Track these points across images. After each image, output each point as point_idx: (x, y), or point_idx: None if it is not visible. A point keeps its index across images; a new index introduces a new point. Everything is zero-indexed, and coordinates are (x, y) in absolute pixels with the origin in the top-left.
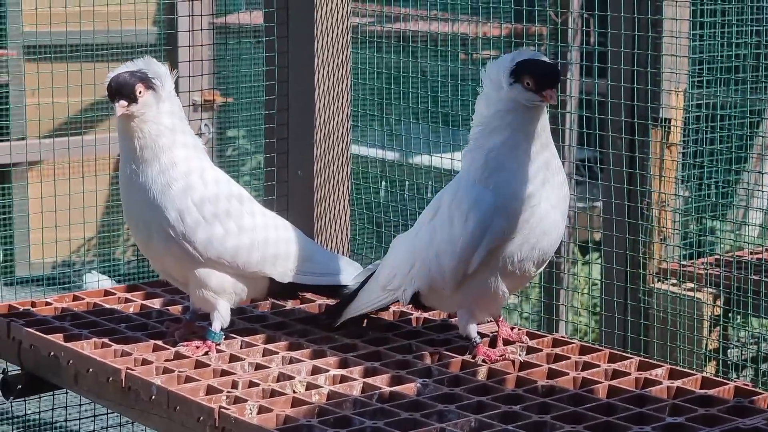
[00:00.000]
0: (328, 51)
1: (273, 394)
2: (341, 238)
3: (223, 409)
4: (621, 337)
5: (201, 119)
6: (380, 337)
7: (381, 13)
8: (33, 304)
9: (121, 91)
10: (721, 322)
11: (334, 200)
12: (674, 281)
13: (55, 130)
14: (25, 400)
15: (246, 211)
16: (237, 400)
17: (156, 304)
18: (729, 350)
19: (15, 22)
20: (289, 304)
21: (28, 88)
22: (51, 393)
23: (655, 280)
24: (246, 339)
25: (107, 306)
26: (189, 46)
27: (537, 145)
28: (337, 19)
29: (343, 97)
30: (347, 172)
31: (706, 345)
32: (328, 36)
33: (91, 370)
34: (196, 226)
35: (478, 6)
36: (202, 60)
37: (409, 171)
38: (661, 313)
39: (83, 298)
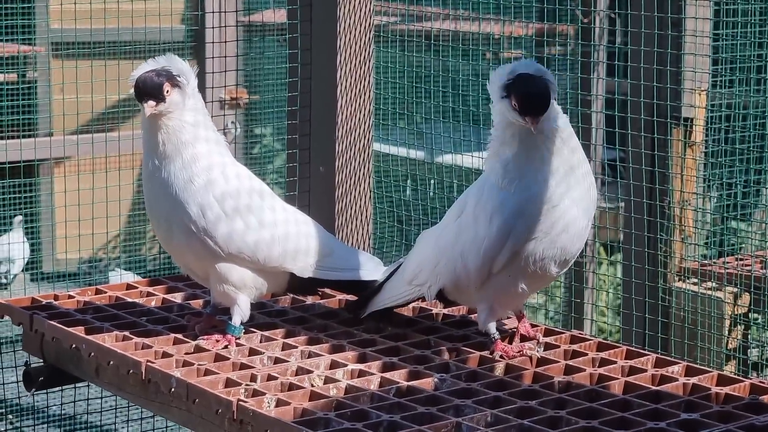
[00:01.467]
0: (350, 48)
1: (291, 387)
2: (362, 234)
3: (241, 402)
4: (641, 335)
5: (224, 115)
6: (399, 332)
7: (406, 12)
8: (56, 297)
9: (150, 91)
10: (740, 321)
11: (355, 196)
12: (695, 280)
13: (81, 127)
14: (47, 392)
15: (267, 206)
16: (255, 393)
17: (177, 298)
18: (749, 350)
19: (42, 18)
20: (309, 300)
21: (55, 84)
22: (73, 386)
23: (676, 278)
24: (266, 333)
25: (129, 300)
26: (213, 42)
27: (553, 149)
28: (359, 17)
29: (365, 94)
30: (369, 169)
31: (726, 344)
32: (350, 33)
33: (111, 362)
34: (217, 221)
35: (500, 5)
36: (226, 56)
37: (435, 170)
38: (681, 311)
39: (105, 292)
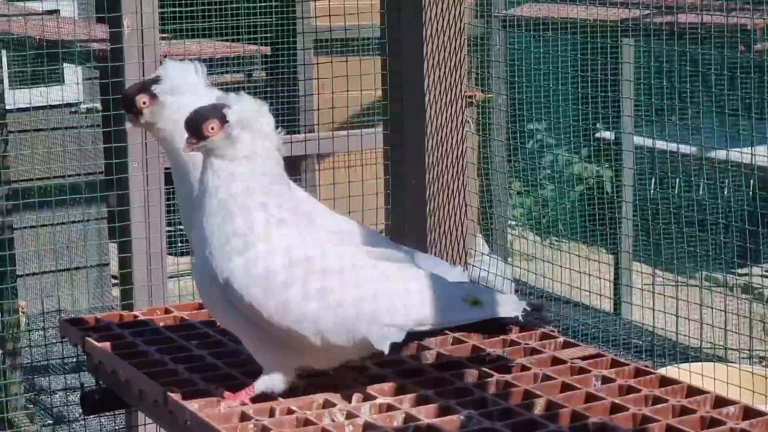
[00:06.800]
0: (438, 54)
1: (306, 423)
2: (457, 252)
3: None
4: None
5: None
6: (453, 361)
7: (653, 4)
8: (120, 317)
9: None
10: None
11: (448, 211)
12: None
13: (341, 123)
14: (115, 415)
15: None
16: (263, 430)
17: None
18: None
19: (307, 16)
20: None
21: (317, 79)
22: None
23: None
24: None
25: (191, 321)
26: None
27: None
28: (449, 21)
29: (456, 103)
30: (463, 182)
31: None
32: (438, 38)
33: (142, 390)
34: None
35: None
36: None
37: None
38: None
39: (172, 312)
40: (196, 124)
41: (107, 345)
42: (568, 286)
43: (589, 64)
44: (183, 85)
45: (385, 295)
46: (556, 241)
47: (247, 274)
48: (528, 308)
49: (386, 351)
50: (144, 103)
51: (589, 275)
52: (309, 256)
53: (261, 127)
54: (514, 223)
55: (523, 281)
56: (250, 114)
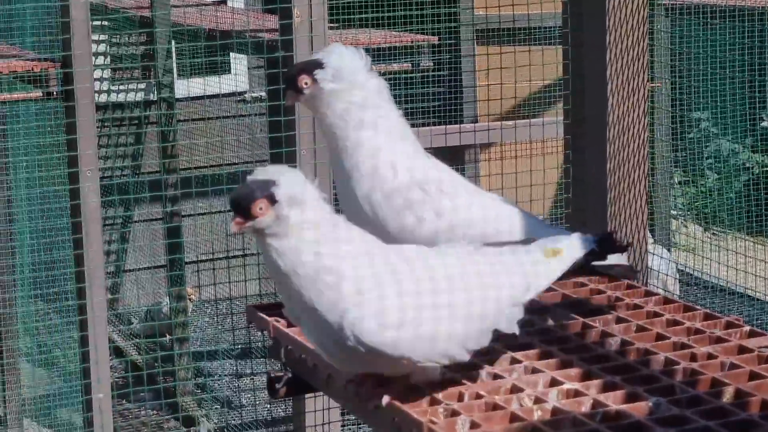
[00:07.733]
0: (621, 43)
1: (495, 408)
2: (637, 239)
3: (431, 423)
4: None
5: None
6: (639, 347)
7: None
8: None
9: None
10: None
11: (628, 200)
12: None
13: (505, 113)
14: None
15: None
16: (453, 414)
17: None
18: None
19: (466, 6)
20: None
21: (479, 70)
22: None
23: None
24: (497, 344)
25: None
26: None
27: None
28: (632, 10)
29: (638, 92)
30: (644, 171)
31: None
32: (621, 28)
33: (331, 374)
34: None
35: None
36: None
37: None
38: None
39: None
40: (244, 205)
41: (296, 330)
42: (734, 271)
43: (756, 51)
44: (345, 73)
45: (502, 280)
46: (720, 231)
47: (378, 328)
48: (597, 239)
49: (518, 331)
50: (306, 84)
51: (756, 259)
52: (429, 274)
53: (307, 198)
54: (676, 212)
55: (688, 272)
56: (298, 190)
